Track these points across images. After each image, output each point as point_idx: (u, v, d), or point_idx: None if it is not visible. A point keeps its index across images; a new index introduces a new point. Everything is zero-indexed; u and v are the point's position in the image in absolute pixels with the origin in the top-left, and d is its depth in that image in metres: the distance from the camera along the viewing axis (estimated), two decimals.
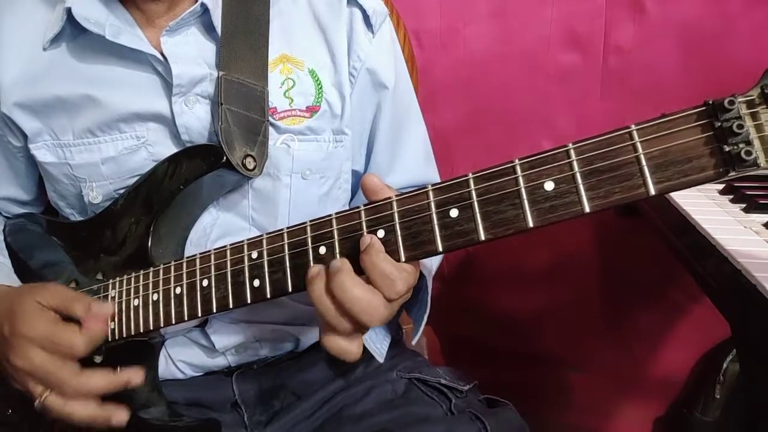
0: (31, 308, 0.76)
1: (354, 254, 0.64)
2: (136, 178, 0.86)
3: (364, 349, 0.81)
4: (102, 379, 0.76)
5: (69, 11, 0.83)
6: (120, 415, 0.77)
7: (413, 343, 0.87)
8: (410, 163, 0.99)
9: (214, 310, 0.75)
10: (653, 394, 1.55)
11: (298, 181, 0.89)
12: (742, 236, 0.85)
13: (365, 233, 0.65)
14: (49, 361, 0.74)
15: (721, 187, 1.04)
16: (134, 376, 0.78)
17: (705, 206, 0.97)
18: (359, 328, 0.66)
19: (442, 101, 1.43)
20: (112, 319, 0.82)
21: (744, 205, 0.97)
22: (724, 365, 1.31)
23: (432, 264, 0.89)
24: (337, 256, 0.66)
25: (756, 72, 0.51)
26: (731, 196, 1.01)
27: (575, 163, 0.55)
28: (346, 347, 0.67)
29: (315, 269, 0.66)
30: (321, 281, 0.65)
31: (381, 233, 0.64)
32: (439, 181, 0.68)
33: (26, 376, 0.75)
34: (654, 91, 1.34)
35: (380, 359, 0.86)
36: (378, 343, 0.87)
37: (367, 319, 0.64)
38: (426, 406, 0.88)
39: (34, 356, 0.74)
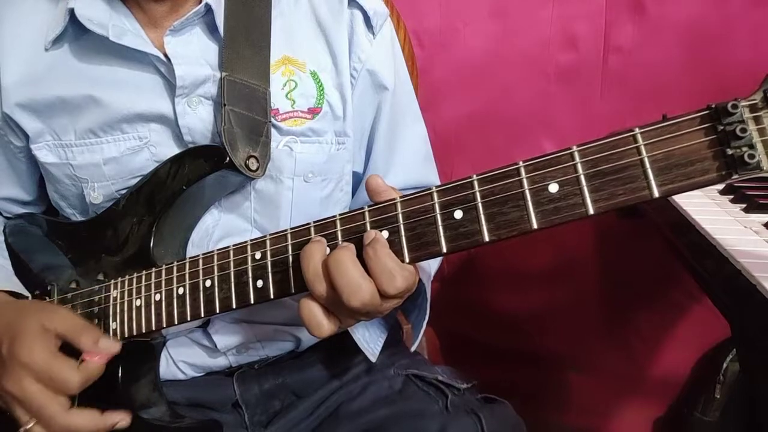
0: (33, 332, 0.75)
1: (358, 256, 0.64)
2: (138, 179, 0.86)
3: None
4: (88, 420, 0.75)
5: (72, 12, 0.83)
6: None
7: (412, 349, 0.87)
8: (409, 163, 0.99)
9: (217, 311, 0.75)
10: (653, 394, 1.55)
11: (300, 184, 0.89)
12: (742, 236, 0.85)
13: (368, 228, 0.65)
14: (41, 393, 0.73)
15: (721, 187, 1.04)
16: (122, 418, 0.77)
17: (705, 206, 0.97)
18: (339, 303, 0.64)
19: (442, 101, 1.43)
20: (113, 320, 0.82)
21: (744, 205, 0.97)
22: (724, 365, 1.31)
23: (431, 270, 0.89)
24: None
25: (756, 72, 0.52)
26: (731, 196, 1.01)
27: (579, 166, 0.55)
28: (318, 316, 0.66)
29: (318, 237, 0.67)
30: (321, 247, 0.66)
31: (385, 234, 0.64)
32: (438, 182, 0.69)
33: (15, 402, 0.75)
34: (654, 91, 1.34)
35: (373, 358, 0.86)
36: (371, 343, 0.87)
37: (347, 295, 0.62)
38: (422, 402, 0.88)
39: (26, 385, 0.73)
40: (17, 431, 0.75)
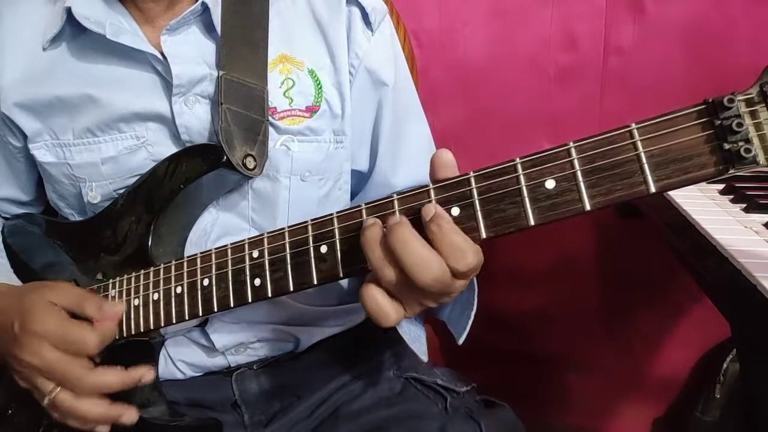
0: (41, 305, 0.76)
1: (355, 252, 0.64)
2: (135, 178, 0.86)
3: (365, 346, 0.81)
4: (115, 377, 0.76)
5: (69, 11, 0.83)
6: (130, 414, 0.77)
7: (460, 341, 0.82)
8: (414, 162, 0.98)
9: (215, 310, 0.75)
10: (653, 394, 1.55)
11: (297, 183, 0.89)
12: (742, 236, 0.86)
13: (432, 202, 0.61)
14: (62, 358, 0.74)
15: (721, 187, 1.04)
16: (146, 373, 0.78)
17: (705, 206, 0.97)
18: (408, 285, 0.60)
19: (441, 101, 1.43)
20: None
21: (744, 205, 0.97)
22: (724, 365, 1.31)
23: None
24: (338, 254, 0.66)
25: (756, 71, 0.51)
26: (731, 196, 1.01)
27: (576, 162, 0.55)
28: (385, 306, 0.62)
29: (371, 220, 0.62)
30: (379, 230, 0.61)
31: None
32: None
33: (37, 373, 0.75)
34: (654, 91, 1.34)
35: (424, 358, 0.80)
36: (416, 342, 0.81)
37: (419, 272, 0.58)
38: (421, 404, 0.88)
39: (46, 353, 0.73)
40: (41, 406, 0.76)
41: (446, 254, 0.58)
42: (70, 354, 0.74)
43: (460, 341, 0.80)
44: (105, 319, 0.77)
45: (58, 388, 0.74)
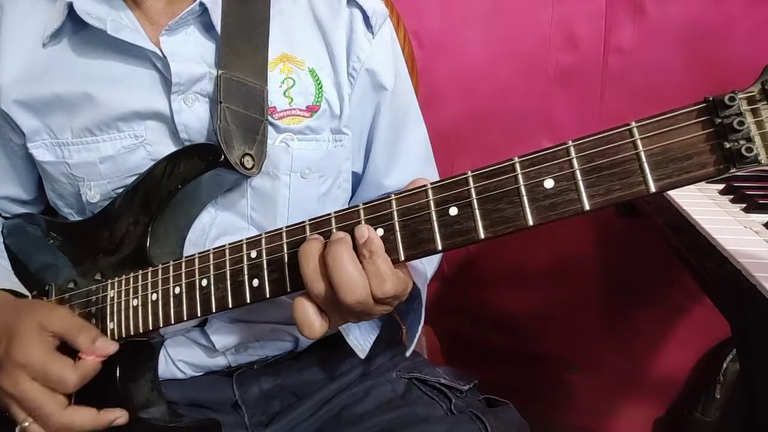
0: (30, 331, 0.75)
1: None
2: (134, 178, 0.85)
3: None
4: (86, 418, 0.76)
5: (70, 6, 0.83)
6: None
7: (407, 354, 0.87)
8: (409, 164, 0.99)
9: (214, 310, 0.75)
10: (653, 394, 1.55)
11: (297, 180, 0.88)
12: (742, 236, 0.85)
13: (362, 222, 0.65)
14: (38, 392, 0.74)
15: (721, 187, 1.04)
16: (119, 415, 0.78)
17: (705, 206, 0.97)
18: (334, 302, 0.65)
19: (441, 101, 1.43)
20: (111, 320, 0.82)
21: (744, 205, 0.97)
22: (724, 365, 1.31)
23: (427, 273, 0.88)
24: None
25: (756, 71, 0.51)
26: (731, 196, 1.00)
27: (575, 161, 0.55)
28: (311, 319, 0.68)
29: (315, 235, 0.67)
30: (319, 244, 0.66)
31: (380, 231, 0.64)
32: None
33: (12, 400, 0.75)
34: (654, 91, 1.34)
35: (362, 355, 0.86)
36: (361, 339, 0.87)
37: (345, 291, 0.63)
38: (426, 406, 0.88)
39: (23, 384, 0.73)
40: (14, 430, 0.75)
41: (371, 278, 0.63)
42: (47, 388, 0.74)
43: (408, 352, 0.87)
44: (92, 356, 0.76)
45: (30, 420, 0.74)
